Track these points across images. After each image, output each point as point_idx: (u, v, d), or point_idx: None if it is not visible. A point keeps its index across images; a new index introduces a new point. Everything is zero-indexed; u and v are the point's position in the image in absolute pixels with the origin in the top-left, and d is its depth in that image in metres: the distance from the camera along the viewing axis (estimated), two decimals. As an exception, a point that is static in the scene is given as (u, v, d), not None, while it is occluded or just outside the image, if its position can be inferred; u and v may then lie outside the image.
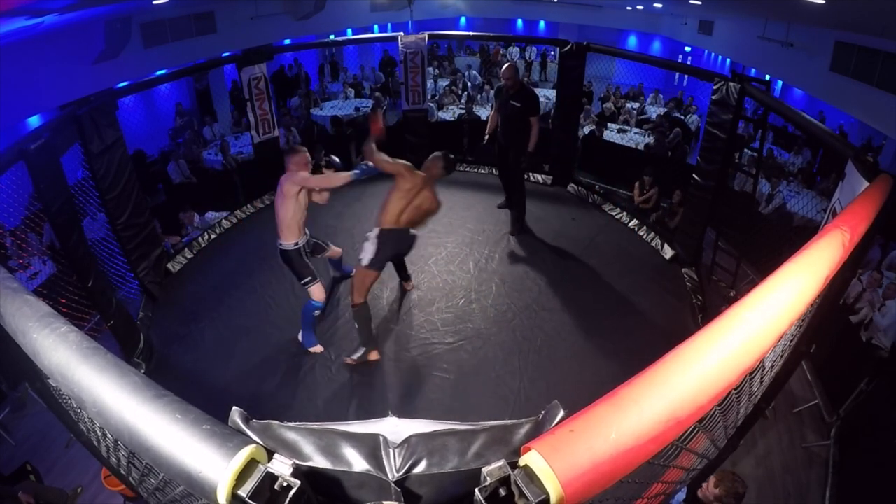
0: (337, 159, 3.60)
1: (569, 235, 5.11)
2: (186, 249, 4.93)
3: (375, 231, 3.26)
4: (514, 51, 13.93)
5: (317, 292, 3.46)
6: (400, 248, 3.47)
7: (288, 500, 0.73)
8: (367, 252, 3.23)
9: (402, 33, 5.99)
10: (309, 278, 3.44)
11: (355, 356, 3.50)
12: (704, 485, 2.30)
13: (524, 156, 4.72)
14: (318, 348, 3.69)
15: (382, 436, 0.95)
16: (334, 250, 3.94)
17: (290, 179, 3.24)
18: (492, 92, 9.79)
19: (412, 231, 3.39)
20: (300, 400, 3.34)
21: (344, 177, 3.28)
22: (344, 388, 3.41)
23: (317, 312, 3.52)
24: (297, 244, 3.39)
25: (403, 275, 4.17)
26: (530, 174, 6.23)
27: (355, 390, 3.40)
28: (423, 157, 3.46)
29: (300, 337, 3.73)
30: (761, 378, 1.66)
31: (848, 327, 4.08)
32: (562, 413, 0.99)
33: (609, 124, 8.35)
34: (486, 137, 4.99)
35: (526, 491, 0.69)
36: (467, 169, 6.41)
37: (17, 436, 3.67)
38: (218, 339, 3.87)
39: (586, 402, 0.81)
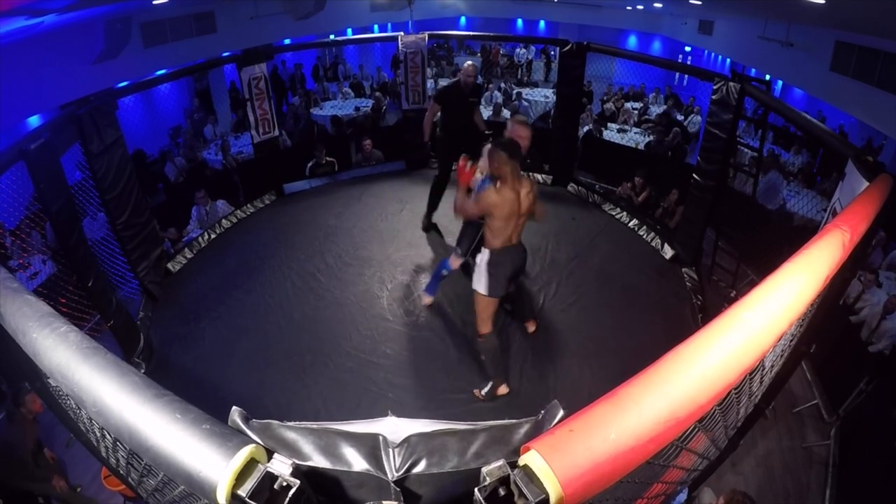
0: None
1: (569, 235, 5.11)
2: (186, 249, 4.93)
3: (485, 255, 2.90)
4: (523, 52, 13.92)
5: (454, 262, 3.74)
6: (516, 265, 3.11)
7: (287, 499, 0.73)
8: (482, 280, 2.92)
9: (402, 33, 5.98)
10: (461, 249, 3.68)
11: (483, 391, 3.25)
12: None
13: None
14: (428, 300, 4.01)
15: (382, 435, 0.95)
16: None
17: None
18: (496, 92, 9.80)
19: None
20: (300, 400, 3.33)
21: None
22: (344, 388, 3.41)
23: (445, 272, 3.84)
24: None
25: (523, 313, 3.77)
26: (530, 174, 6.23)
27: (355, 390, 3.39)
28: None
29: (424, 286, 4.10)
30: (761, 378, 1.66)
31: (848, 327, 4.08)
32: (561, 413, 0.99)
33: (609, 124, 8.34)
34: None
35: (525, 490, 0.69)
36: (467, 169, 6.39)
37: (17, 436, 3.67)
38: (218, 339, 3.87)
39: (586, 401, 0.81)
